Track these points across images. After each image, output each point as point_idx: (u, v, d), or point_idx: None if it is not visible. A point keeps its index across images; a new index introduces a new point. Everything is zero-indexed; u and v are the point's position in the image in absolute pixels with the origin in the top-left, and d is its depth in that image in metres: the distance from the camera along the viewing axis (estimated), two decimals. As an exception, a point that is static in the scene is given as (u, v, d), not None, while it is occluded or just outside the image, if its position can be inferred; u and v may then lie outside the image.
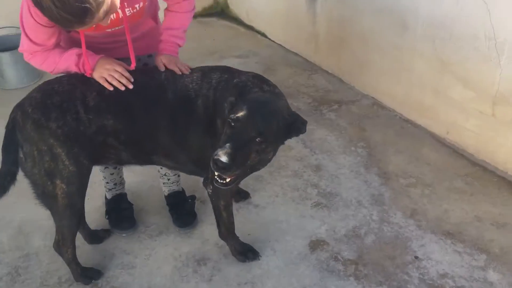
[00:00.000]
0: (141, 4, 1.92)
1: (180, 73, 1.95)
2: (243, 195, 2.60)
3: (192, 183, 2.59)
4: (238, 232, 2.31)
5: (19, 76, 3.84)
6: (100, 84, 1.85)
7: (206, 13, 5.11)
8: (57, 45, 1.90)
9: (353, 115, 3.30)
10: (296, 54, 4.20)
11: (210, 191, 2.06)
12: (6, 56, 3.75)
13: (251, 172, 1.89)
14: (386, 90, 3.33)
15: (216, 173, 1.70)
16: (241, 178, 1.82)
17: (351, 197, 2.59)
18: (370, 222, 2.43)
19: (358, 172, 2.78)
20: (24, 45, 1.84)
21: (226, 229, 2.20)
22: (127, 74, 1.87)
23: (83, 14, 1.53)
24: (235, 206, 2.52)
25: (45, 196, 1.88)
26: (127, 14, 1.90)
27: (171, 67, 1.97)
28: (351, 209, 2.52)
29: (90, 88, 1.84)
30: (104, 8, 1.58)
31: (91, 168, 1.93)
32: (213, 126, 1.90)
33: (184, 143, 1.95)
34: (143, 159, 2.04)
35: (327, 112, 3.35)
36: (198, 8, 4.79)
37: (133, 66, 1.94)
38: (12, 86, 3.84)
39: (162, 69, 1.97)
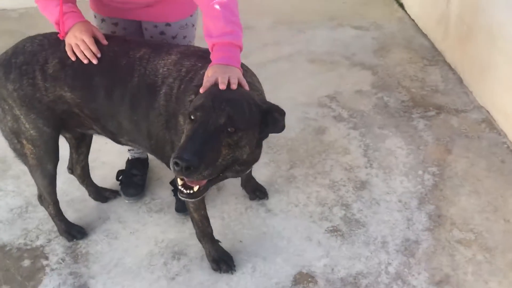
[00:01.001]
0: None
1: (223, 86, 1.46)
2: (260, 194, 2.30)
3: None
4: (231, 235, 2.09)
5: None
6: (61, 51, 1.71)
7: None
8: None
9: (448, 130, 2.62)
10: (424, 35, 3.48)
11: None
12: None
13: (224, 177, 1.59)
14: (503, 107, 2.54)
15: (179, 182, 1.44)
16: (211, 183, 1.49)
17: (378, 234, 2.09)
18: (381, 274, 1.93)
19: (407, 205, 2.22)
20: None
21: (200, 231, 1.97)
22: (94, 48, 1.68)
23: None
24: (244, 203, 2.27)
25: (17, 153, 1.88)
26: None
27: (212, 79, 1.48)
28: (369, 249, 2.03)
29: (54, 53, 1.71)
30: None
31: (56, 135, 1.85)
32: (173, 121, 1.64)
33: (144, 133, 1.73)
34: (112, 138, 1.88)
35: (417, 118, 2.72)
36: None
37: (104, 42, 1.73)
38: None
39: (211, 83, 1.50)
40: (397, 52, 3.32)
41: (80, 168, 2.24)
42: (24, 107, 1.71)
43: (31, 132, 1.77)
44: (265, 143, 2.53)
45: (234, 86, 1.45)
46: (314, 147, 2.58)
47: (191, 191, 1.41)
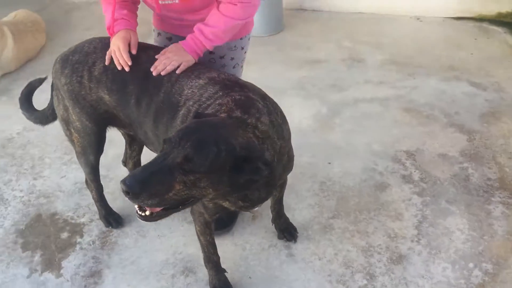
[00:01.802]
0: None
1: (158, 70, 1.77)
2: (287, 236, 2.23)
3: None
4: (244, 268, 2.09)
5: (263, 24, 4.04)
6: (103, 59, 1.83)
7: (497, 20, 4.10)
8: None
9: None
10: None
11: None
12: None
13: (185, 207, 1.53)
14: None
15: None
16: (168, 213, 1.50)
17: (390, 319, 1.89)
18: None
19: (439, 297, 1.96)
20: None
21: (205, 257, 1.98)
22: (125, 56, 1.79)
23: None
24: (270, 240, 2.22)
25: (68, 138, 2.09)
26: None
27: (160, 57, 1.81)
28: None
29: (102, 57, 1.84)
30: None
31: (99, 130, 1.98)
32: None
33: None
34: (144, 144, 1.97)
35: (496, 203, 2.38)
36: (492, 11, 3.95)
37: (134, 51, 1.84)
38: (254, 32, 4.07)
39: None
40: (508, 122, 2.93)
41: (132, 163, 2.40)
42: (71, 101, 1.89)
43: (77, 123, 1.94)
44: (318, 184, 2.48)
45: (163, 73, 1.74)
46: (367, 203, 2.41)
47: (144, 214, 1.43)
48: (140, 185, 1.31)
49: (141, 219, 1.47)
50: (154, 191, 1.33)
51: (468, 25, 4.11)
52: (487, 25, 4.10)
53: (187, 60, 1.79)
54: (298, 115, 3.07)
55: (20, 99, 2.22)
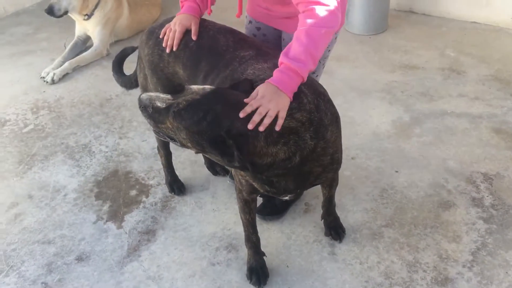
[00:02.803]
0: None
1: (254, 123, 1.47)
2: (334, 235, 2.23)
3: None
4: (284, 256, 2.16)
5: (365, 23, 3.98)
6: (189, 35, 1.93)
7: None
8: None
9: None
10: None
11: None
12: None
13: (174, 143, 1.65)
14: None
15: None
16: (161, 137, 1.67)
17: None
18: None
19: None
20: None
21: (245, 235, 2.06)
22: (176, 42, 1.90)
23: None
24: (317, 235, 2.25)
25: (145, 104, 2.26)
26: None
27: (252, 104, 1.49)
28: None
29: (184, 36, 1.95)
30: None
31: (171, 101, 2.13)
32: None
33: None
34: None
35: None
36: None
37: (194, 37, 1.91)
38: (355, 30, 4.05)
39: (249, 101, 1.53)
40: None
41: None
42: (150, 71, 2.05)
43: (153, 92, 2.10)
44: (379, 190, 2.44)
45: (266, 123, 1.46)
46: (425, 218, 2.32)
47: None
48: (147, 104, 1.55)
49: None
50: (154, 115, 1.55)
51: None
52: None
53: (284, 104, 1.51)
54: (378, 118, 3.01)
55: (113, 63, 2.45)
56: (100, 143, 2.94)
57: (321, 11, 1.61)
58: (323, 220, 2.26)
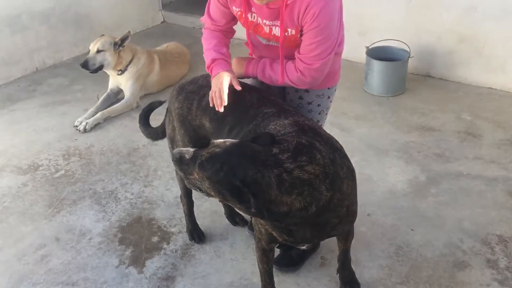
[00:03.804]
0: (293, 31, 1.97)
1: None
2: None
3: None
4: None
5: (383, 85, 4.15)
6: None
7: None
8: (226, 32, 2.20)
9: None
10: None
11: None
12: (376, 63, 4.11)
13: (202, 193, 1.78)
14: None
15: None
16: (192, 188, 1.80)
17: None
18: None
19: None
20: (204, 16, 2.21)
21: (262, 285, 2.12)
22: (224, 97, 1.98)
23: None
24: None
25: (170, 153, 2.40)
26: (276, 34, 2.02)
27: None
28: None
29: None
30: None
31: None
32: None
33: None
34: None
35: None
36: None
37: (238, 88, 2.04)
38: (373, 91, 4.22)
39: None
40: None
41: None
42: (179, 123, 2.21)
43: (179, 143, 2.25)
44: (395, 247, 2.49)
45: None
46: (440, 278, 2.35)
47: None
48: (178, 159, 1.71)
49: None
50: (184, 167, 1.71)
51: None
52: None
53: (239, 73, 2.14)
54: (395, 177, 3.09)
55: (140, 115, 2.63)
56: (126, 190, 3.07)
57: (299, 77, 2.06)
58: (338, 274, 2.30)
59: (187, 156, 1.69)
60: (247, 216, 2.69)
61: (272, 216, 1.62)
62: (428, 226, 2.69)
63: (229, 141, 1.68)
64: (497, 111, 3.89)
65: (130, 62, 4.11)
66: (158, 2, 6.18)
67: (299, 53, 2.01)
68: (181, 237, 2.67)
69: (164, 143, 3.21)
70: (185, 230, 2.69)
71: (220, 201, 1.73)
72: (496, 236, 2.60)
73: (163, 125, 2.48)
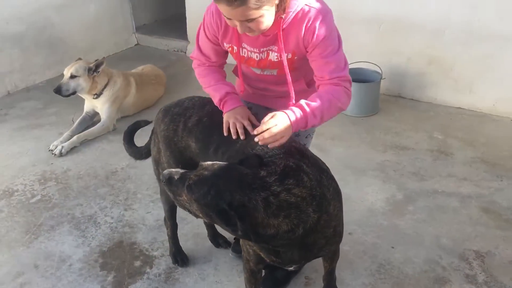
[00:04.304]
0: (289, 55, 2.00)
1: (266, 142, 1.79)
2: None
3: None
4: None
5: (358, 106, 4.24)
6: (205, 113, 2.13)
7: None
8: (220, 66, 2.21)
9: None
10: None
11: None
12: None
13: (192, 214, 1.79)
14: None
15: None
16: (182, 208, 1.81)
17: None
18: None
19: None
20: (194, 53, 2.19)
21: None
22: (248, 127, 1.96)
23: None
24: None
25: (156, 177, 2.41)
26: (272, 59, 2.04)
27: (269, 122, 1.80)
28: None
29: (197, 113, 2.14)
30: None
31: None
32: None
33: None
34: None
35: None
36: None
37: (257, 124, 1.89)
38: (348, 112, 4.30)
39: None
40: None
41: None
42: (164, 145, 2.22)
43: (165, 165, 2.25)
44: (377, 265, 2.54)
45: (270, 145, 1.80)
46: (422, 294, 2.41)
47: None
48: (168, 180, 1.73)
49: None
50: (173, 188, 1.73)
51: None
52: None
53: (287, 137, 1.84)
54: (373, 196, 3.16)
55: (125, 133, 2.62)
56: (106, 214, 3.03)
57: (346, 91, 2.00)
58: (324, 294, 2.33)
59: (176, 177, 1.70)
60: (230, 237, 2.70)
61: (259, 238, 1.64)
62: (408, 243, 2.75)
63: (217, 163, 1.70)
64: (466, 130, 4.04)
65: (105, 85, 4.09)
66: (132, 25, 6.20)
67: (317, 76, 2.01)
68: (164, 261, 2.64)
69: (143, 166, 3.22)
70: (168, 253, 2.67)
71: (208, 222, 1.75)
72: (473, 251, 2.68)
73: (147, 146, 2.48)
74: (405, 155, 3.67)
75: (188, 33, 5.83)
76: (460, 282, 2.48)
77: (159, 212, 3.01)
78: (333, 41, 1.97)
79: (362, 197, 3.16)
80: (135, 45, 6.21)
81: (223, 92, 2.12)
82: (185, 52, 5.91)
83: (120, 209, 3.08)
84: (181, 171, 1.73)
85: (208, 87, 2.19)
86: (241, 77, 2.22)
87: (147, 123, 2.63)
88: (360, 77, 4.28)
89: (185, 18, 5.76)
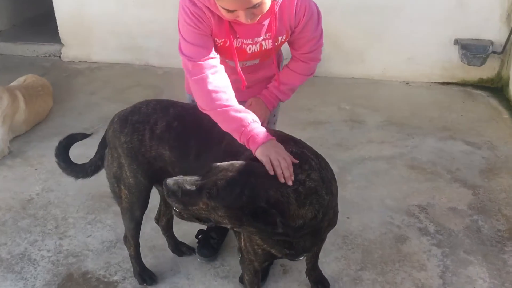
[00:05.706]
0: (283, 37, 2.01)
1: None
2: (322, 287, 2.31)
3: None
4: None
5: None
6: (172, 116, 1.96)
7: (479, 85, 4.48)
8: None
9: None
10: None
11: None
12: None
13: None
14: None
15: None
16: (188, 219, 1.67)
17: None
18: None
19: None
20: (188, 51, 1.85)
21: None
22: (291, 170, 1.61)
23: None
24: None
25: (114, 194, 2.17)
26: (267, 48, 2.00)
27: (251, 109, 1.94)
28: None
29: (163, 117, 1.97)
30: None
31: (150, 186, 2.10)
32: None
33: None
34: None
35: (510, 252, 2.55)
36: (475, 77, 4.30)
37: (295, 161, 1.68)
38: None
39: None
40: (506, 178, 3.16)
41: (165, 220, 2.47)
42: (129, 158, 2.00)
43: (130, 180, 2.04)
44: (341, 238, 2.61)
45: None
46: (390, 254, 2.54)
47: (176, 210, 1.65)
48: (175, 188, 1.55)
49: (174, 214, 1.69)
50: (184, 199, 1.56)
51: (453, 90, 4.46)
52: (471, 89, 4.45)
53: (267, 114, 2.17)
54: (312, 173, 3.23)
55: (58, 150, 2.27)
56: (39, 248, 2.66)
57: (313, 65, 2.19)
58: (308, 276, 2.33)
59: (187, 186, 1.54)
60: (192, 242, 2.57)
61: (292, 232, 1.58)
62: (359, 211, 2.88)
63: (236, 163, 1.58)
64: (366, 97, 4.33)
65: (-12, 105, 3.55)
66: (-13, 33, 5.47)
67: (304, 51, 2.10)
68: (129, 283, 2.41)
69: (61, 187, 2.92)
70: (130, 275, 2.43)
71: (231, 228, 1.63)
72: (416, 206, 2.91)
73: (94, 162, 2.20)
74: (324, 129, 3.82)
75: (60, 35, 5.31)
76: (417, 236, 2.67)
77: (101, 233, 2.74)
78: (319, 15, 2.01)
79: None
80: (-5, 55, 5.49)
81: (246, 121, 1.78)
82: (59, 57, 5.40)
83: (54, 239, 2.72)
84: (189, 178, 1.57)
85: (224, 123, 1.86)
86: (241, 75, 2.06)
87: (85, 136, 2.33)
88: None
89: (52, 18, 5.24)
